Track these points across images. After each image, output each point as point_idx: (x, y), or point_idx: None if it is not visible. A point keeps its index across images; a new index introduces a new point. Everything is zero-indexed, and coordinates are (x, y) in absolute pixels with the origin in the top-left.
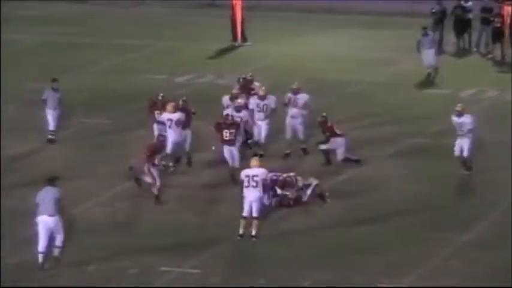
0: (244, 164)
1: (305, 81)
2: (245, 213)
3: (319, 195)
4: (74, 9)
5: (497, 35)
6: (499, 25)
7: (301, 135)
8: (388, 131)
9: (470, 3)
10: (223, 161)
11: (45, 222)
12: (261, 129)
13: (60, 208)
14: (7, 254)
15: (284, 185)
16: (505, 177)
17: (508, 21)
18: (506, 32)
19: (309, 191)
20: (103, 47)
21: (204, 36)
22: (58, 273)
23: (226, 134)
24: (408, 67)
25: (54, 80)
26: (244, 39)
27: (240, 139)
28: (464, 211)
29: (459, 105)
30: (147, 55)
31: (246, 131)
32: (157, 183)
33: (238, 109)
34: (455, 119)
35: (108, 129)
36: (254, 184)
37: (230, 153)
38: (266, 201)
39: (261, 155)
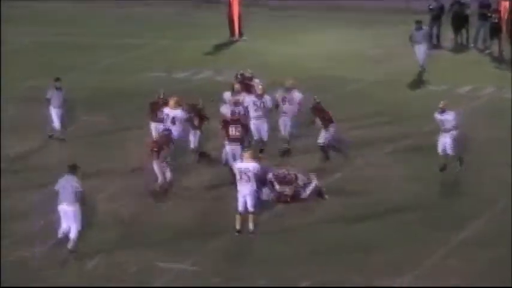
0: None
1: (303, 79)
2: (240, 208)
3: (318, 192)
4: (74, 9)
5: (495, 31)
6: (496, 21)
7: (286, 133)
8: (387, 129)
9: None
10: (223, 161)
11: (65, 211)
12: (257, 127)
13: (81, 197)
14: (7, 253)
15: (283, 181)
16: (503, 175)
17: (506, 17)
18: (504, 28)
19: (308, 190)
20: (103, 47)
21: (202, 34)
22: (58, 272)
23: (233, 130)
24: (407, 64)
25: (57, 79)
26: (240, 35)
27: (247, 139)
28: (462, 209)
29: (442, 102)
30: (146, 54)
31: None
32: (167, 179)
33: (235, 104)
34: (437, 116)
35: (109, 127)
36: (246, 178)
37: (233, 153)
38: (266, 197)
39: (261, 150)
